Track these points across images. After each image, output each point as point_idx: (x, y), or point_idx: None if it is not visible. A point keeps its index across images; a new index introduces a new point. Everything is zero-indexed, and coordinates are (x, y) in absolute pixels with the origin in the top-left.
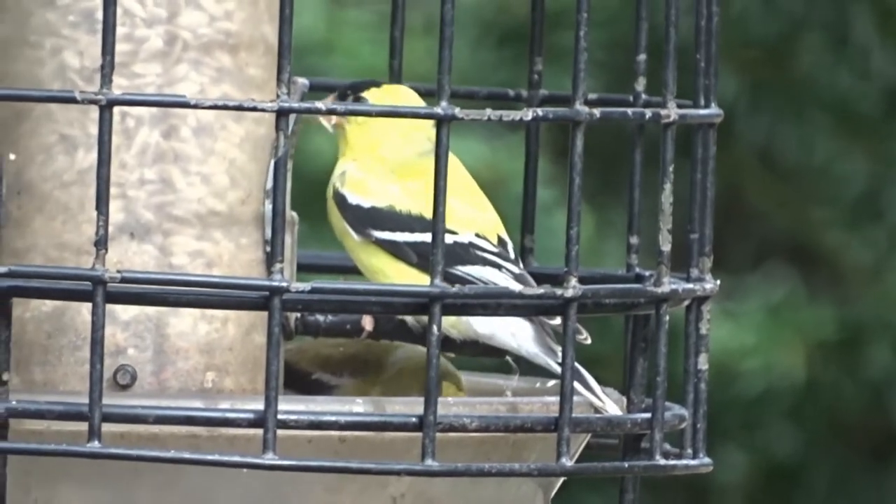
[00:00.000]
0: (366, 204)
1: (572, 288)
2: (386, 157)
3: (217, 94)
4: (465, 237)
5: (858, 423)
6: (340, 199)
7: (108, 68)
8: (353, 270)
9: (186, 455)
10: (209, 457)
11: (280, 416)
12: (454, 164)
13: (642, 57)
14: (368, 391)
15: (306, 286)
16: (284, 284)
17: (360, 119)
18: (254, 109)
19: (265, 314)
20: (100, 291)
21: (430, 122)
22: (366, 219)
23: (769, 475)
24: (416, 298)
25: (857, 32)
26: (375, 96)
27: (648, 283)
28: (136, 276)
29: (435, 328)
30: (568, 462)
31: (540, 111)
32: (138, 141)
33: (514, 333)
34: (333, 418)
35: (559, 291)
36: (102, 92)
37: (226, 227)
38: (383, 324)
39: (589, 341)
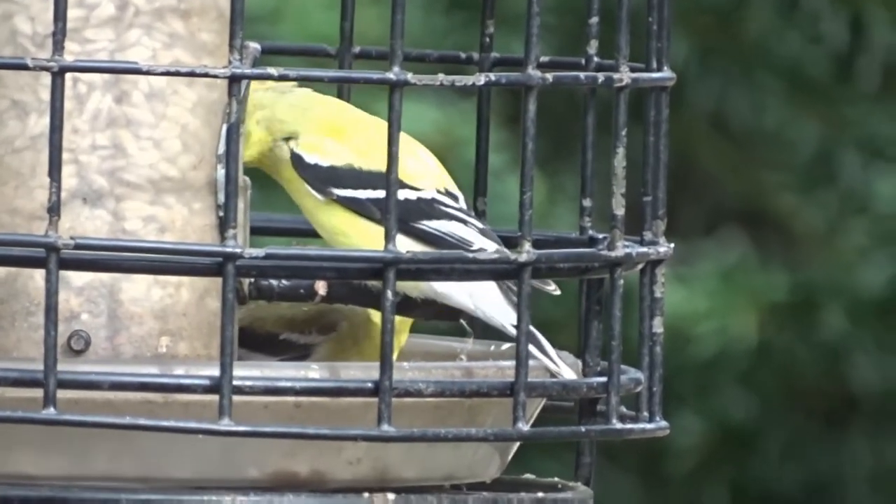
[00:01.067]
0: (324, 163)
1: (526, 252)
2: (319, 115)
3: (169, 59)
4: (428, 193)
5: (813, 386)
6: (297, 160)
7: (59, 34)
8: (304, 233)
9: (142, 421)
10: (165, 423)
11: (235, 383)
12: (383, 124)
13: (594, 20)
14: (344, 348)
15: (260, 252)
16: (238, 250)
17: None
18: (206, 75)
19: (219, 280)
20: (53, 258)
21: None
22: (326, 178)
23: (724, 439)
24: (371, 263)
25: None
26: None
27: (602, 247)
28: (89, 243)
29: (389, 293)
30: (524, 427)
31: (493, 76)
32: (90, 106)
33: (472, 294)
34: (289, 384)
35: (513, 256)
36: (55, 58)
37: (178, 193)
38: (337, 288)
39: (558, 292)
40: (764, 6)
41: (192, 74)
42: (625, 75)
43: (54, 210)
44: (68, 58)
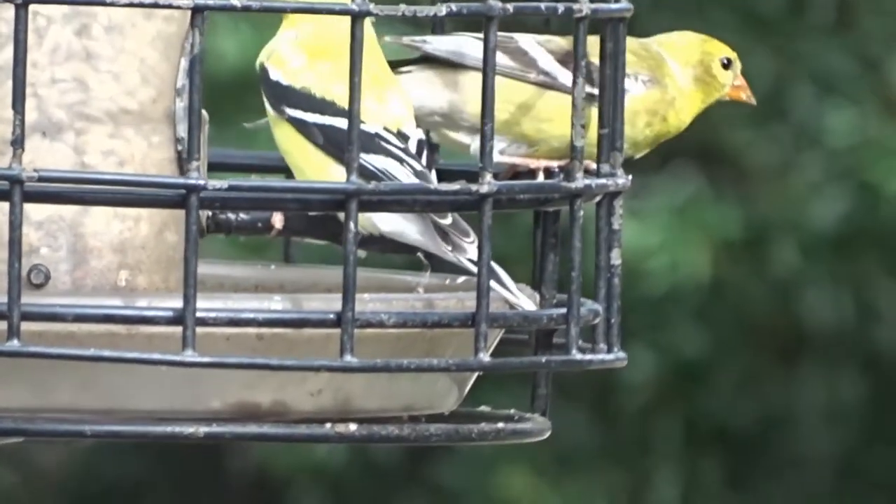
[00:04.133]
0: (284, 81)
1: (487, 184)
2: (315, 29)
3: None
4: (371, 127)
5: (766, 322)
6: (263, 73)
7: None
8: (260, 169)
9: (106, 353)
10: (129, 354)
11: (199, 314)
12: (372, 46)
13: None
14: None
15: (223, 184)
16: (202, 182)
17: None
18: (169, 6)
19: (178, 213)
20: (17, 191)
21: None
22: (281, 95)
23: (676, 374)
24: (333, 195)
25: None
26: None
27: (559, 178)
28: (53, 175)
29: (352, 224)
30: (485, 357)
31: (454, 6)
32: (49, 40)
33: (422, 231)
34: (252, 315)
35: (474, 188)
36: None
37: (137, 126)
38: (294, 221)
39: (476, 244)
40: None
41: (155, 6)
42: (584, 6)
43: (18, 143)
44: None
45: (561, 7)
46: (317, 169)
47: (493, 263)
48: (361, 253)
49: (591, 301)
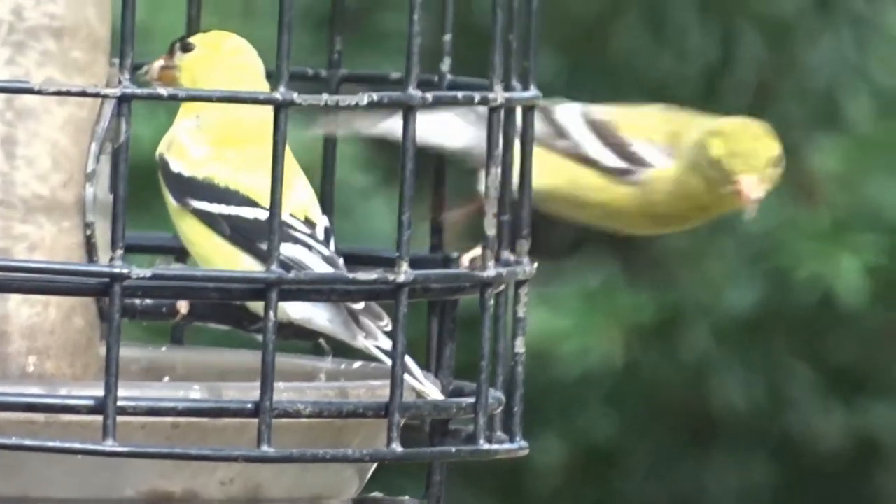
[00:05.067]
0: (186, 172)
1: (404, 273)
2: (217, 117)
3: (41, 77)
4: None
5: (678, 406)
6: (163, 165)
7: None
8: (167, 251)
9: (28, 442)
10: (51, 444)
11: (120, 403)
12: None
13: (448, 37)
14: None
15: (147, 272)
16: (126, 271)
17: (187, 64)
18: (97, 95)
19: (85, 299)
20: None
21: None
22: (185, 187)
23: (588, 459)
24: (254, 284)
25: (676, 12)
26: (201, 41)
27: (455, 265)
28: None
29: (272, 313)
30: (398, 447)
31: (375, 95)
32: None
33: (331, 319)
34: (171, 404)
35: (391, 277)
36: None
37: (48, 211)
38: (199, 307)
39: (390, 327)
40: (633, 22)
41: (83, 94)
42: (499, 94)
43: None
44: None
45: (477, 96)
46: (226, 260)
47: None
48: (221, 327)
49: (492, 389)
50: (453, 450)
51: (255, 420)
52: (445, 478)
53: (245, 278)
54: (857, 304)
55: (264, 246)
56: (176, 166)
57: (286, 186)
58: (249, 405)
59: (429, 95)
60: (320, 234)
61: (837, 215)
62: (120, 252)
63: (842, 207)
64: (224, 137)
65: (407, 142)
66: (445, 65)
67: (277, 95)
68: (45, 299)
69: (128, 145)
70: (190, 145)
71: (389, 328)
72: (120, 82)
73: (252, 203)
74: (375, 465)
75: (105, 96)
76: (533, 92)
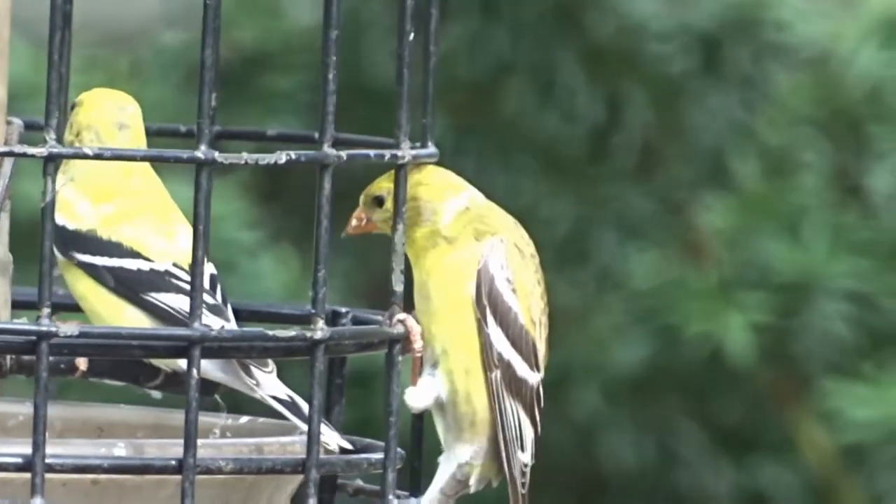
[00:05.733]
0: (70, 226)
1: (320, 330)
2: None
3: None
4: (161, 265)
5: (567, 466)
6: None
7: None
8: (64, 308)
9: None
10: None
11: (48, 461)
12: (154, 181)
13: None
14: None
15: (74, 330)
16: (53, 329)
17: (72, 119)
18: (24, 155)
19: None
20: None
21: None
22: (70, 241)
23: None
24: (177, 342)
25: (564, 74)
26: (82, 96)
27: (382, 323)
28: None
29: (195, 371)
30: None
31: (293, 154)
32: None
33: (223, 369)
34: (98, 461)
35: (308, 334)
36: None
37: None
38: (98, 363)
39: (275, 372)
40: (521, 83)
41: (10, 154)
42: (406, 152)
43: None
44: None
45: (388, 154)
46: (112, 312)
47: (300, 401)
48: (157, 394)
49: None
50: None
51: (174, 477)
52: None
53: (168, 336)
54: (745, 361)
55: (149, 297)
56: (60, 220)
57: (167, 235)
58: (173, 462)
59: (343, 154)
60: (206, 283)
61: (725, 273)
62: (47, 310)
63: (729, 265)
64: (102, 192)
65: (322, 199)
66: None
67: (199, 154)
68: None
69: (53, 205)
70: (73, 199)
71: (275, 373)
72: (45, 141)
73: (135, 255)
74: None
75: (31, 156)
76: (433, 149)
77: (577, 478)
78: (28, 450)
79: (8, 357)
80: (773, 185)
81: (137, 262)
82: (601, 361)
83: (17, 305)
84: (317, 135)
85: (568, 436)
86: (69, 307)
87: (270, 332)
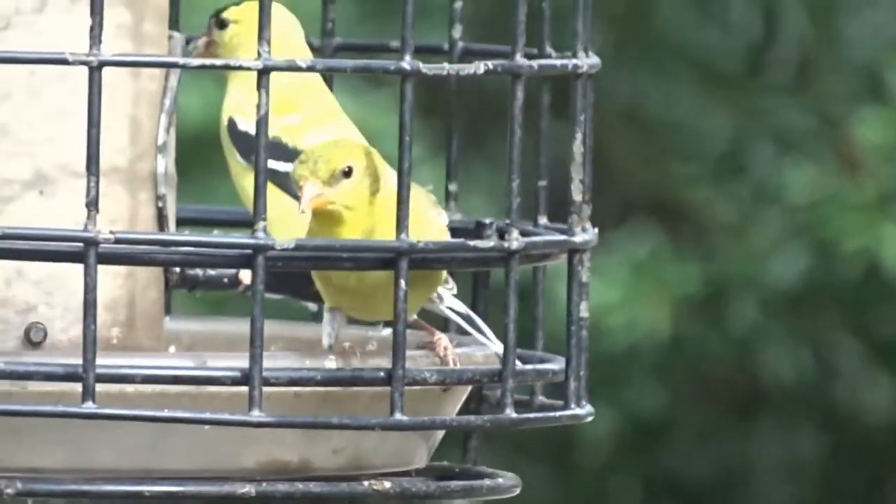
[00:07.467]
0: (254, 131)
1: (516, 240)
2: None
3: (117, 50)
4: None
5: (724, 379)
6: (231, 125)
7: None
8: (226, 224)
9: (179, 414)
10: (202, 416)
11: (264, 374)
12: (330, 95)
13: (459, 4)
14: None
15: (290, 243)
16: (270, 242)
17: (225, 40)
18: (240, 68)
19: (158, 270)
20: (92, 252)
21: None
22: (252, 145)
23: (635, 431)
24: (384, 253)
25: None
26: (234, 13)
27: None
28: (129, 237)
29: (403, 282)
30: (513, 413)
31: (490, 63)
32: (45, 99)
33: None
34: (311, 374)
35: (506, 244)
36: (93, 53)
37: (126, 183)
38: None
39: (455, 290)
40: None
41: (227, 68)
42: (583, 61)
43: (92, 204)
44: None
45: (570, 64)
46: (290, 219)
47: (471, 313)
48: (313, 306)
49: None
50: (556, 414)
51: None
52: (498, 445)
53: (377, 248)
54: None
55: None
56: (244, 125)
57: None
58: (382, 374)
59: (535, 63)
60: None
61: (881, 187)
62: (262, 223)
63: (885, 179)
64: (284, 104)
65: (515, 109)
66: (457, 31)
67: (405, 65)
68: (125, 272)
69: (266, 119)
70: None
71: (455, 291)
72: (260, 55)
73: None
74: (442, 435)
75: (248, 69)
76: (595, 59)
77: (735, 391)
78: (244, 363)
79: (173, 271)
80: None
81: None
82: (758, 275)
83: (182, 223)
84: (446, 46)
85: (726, 349)
86: (229, 223)
87: (471, 243)
